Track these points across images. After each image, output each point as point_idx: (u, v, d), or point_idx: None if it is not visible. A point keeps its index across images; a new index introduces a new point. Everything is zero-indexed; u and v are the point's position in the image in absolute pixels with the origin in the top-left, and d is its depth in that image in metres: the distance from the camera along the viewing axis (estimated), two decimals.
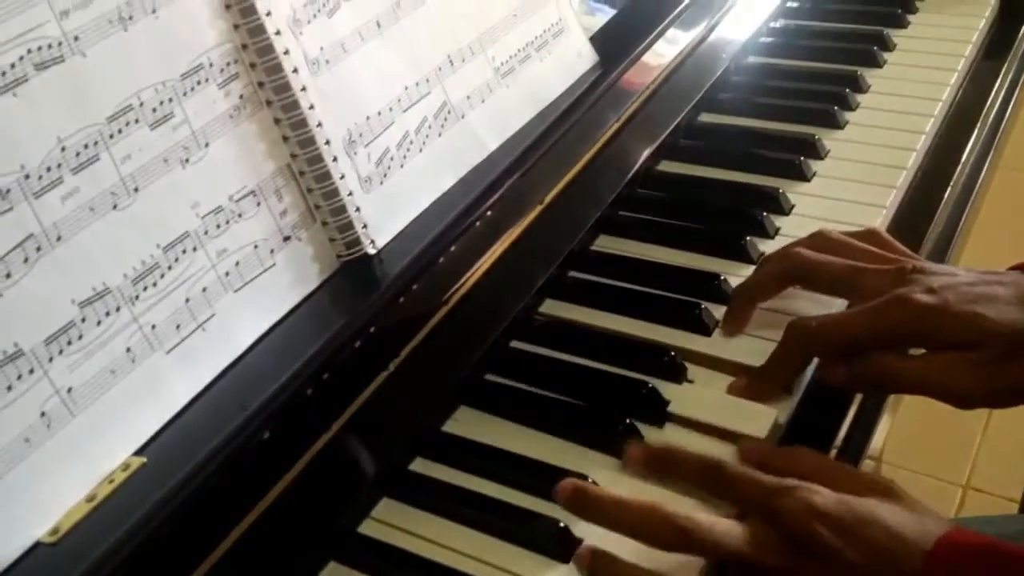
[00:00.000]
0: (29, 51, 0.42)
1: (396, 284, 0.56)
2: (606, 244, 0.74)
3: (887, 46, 0.93)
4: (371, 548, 0.53)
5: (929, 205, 0.77)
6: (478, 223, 0.62)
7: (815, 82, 0.89)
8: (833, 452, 0.60)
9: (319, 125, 0.54)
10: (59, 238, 0.43)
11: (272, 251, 0.53)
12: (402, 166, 0.59)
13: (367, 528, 0.55)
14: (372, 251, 0.57)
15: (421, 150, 0.60)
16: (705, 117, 0.87)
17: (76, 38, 0.44)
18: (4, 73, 0.42)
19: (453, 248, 0.60)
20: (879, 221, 0.72)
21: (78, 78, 0.44)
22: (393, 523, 0.55)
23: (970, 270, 0.56)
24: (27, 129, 0.43)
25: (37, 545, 0.42)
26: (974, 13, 0.96)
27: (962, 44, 0.91)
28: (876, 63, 0.90)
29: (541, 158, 0.66)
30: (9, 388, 0.42)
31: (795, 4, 1.02)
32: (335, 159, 0.54)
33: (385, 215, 0.57)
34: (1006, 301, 0.53)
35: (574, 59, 0.70)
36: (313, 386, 0.51)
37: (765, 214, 0.73)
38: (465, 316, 0.61)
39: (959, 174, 0.80)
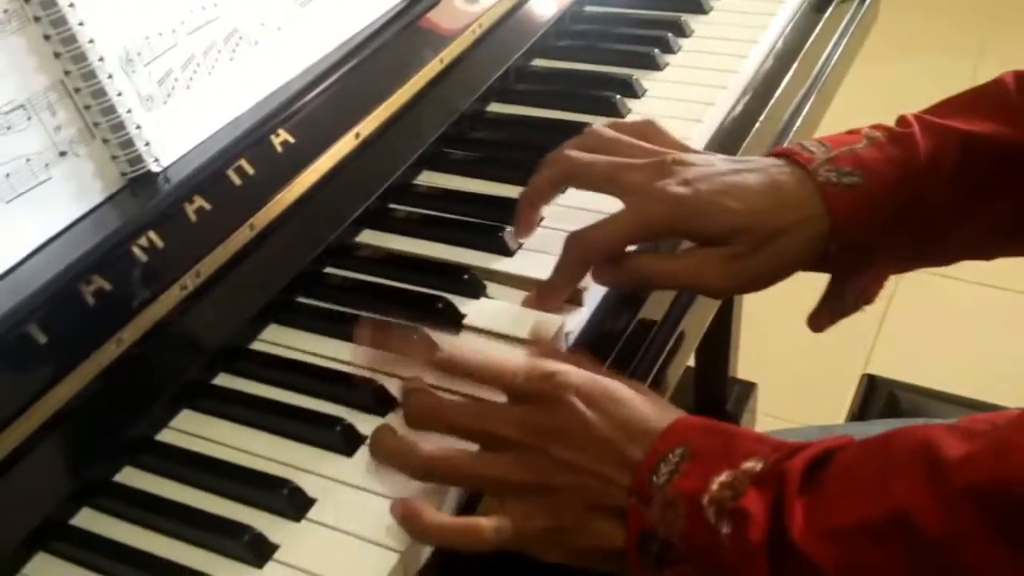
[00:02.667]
0: None
1: (181, 199, 0.59)
2: (428, 179, 0.78)
3: None
4: (167, 453, 0.56)
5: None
6: (279, 147, 0.65)
7: (641, 27, 0.94)
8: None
9: (91, 41, 0.56)
10: None
11: (47, 165, 0.55)
12: (188, 87, 0.61)
13: (165, 436, 0.57)
14: (156, 168, 0.59)
15: (210, 73, 0.63)
16: (539, 61, 0.91)
17: None
18: None
19: (252, 170, 0.63)
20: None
21: None
22: (191, 431, 0.57)
23: (727, 159, 0.61)
24: None
25: None
26: None
27: None
28: (702, 10, 0.95)
29: (345, 87, 0.69)
30: None
31: None
32: (110, 76, 0.57)
33: (172, 133, 0.60)
34: (754, 191, 0.58)
35: None
36: (94, 294, 0.53)
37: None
38: (272, 239, 0.64)
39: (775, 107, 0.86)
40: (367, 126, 0.72)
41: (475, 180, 0.77)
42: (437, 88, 0.79)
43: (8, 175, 0.53)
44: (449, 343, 0.58)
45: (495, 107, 0.86)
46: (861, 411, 0.88)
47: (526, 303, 0.63)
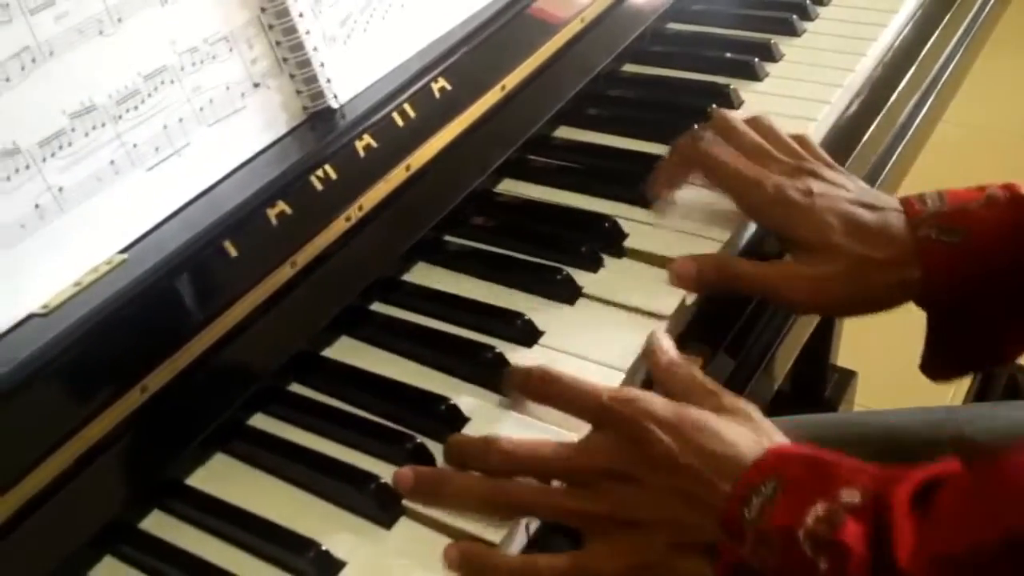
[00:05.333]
0: None
1: (355, 135, 0.66)
2: (565, 133, 0.84)
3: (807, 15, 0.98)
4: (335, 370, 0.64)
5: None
6: (436, 92, 0.72)
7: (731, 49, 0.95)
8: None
9: None
10: (51, 53, 0.53)
11: (243, 94, 0.62)
12: (365, 30, 0.68)
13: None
14: (335, 105, 0.66)
15: (383, 18, 0.70)
16: (673, 25, 0.97)
17: None
18: None
19: (412, 112, 0.70)
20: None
21: None
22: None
23: (859, 187, 0.65)
24: None
25: (31, 316, 0.52)
26: None
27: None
28: (793, 32, 0.96)
29: (496, 40, 0.76)
30: (8, 179, 0.51)
31: None
32: (301, 15, 0.64)
33: (348, 73, 0.67)
34: (862, 221, 0.61)
35: None
36: (276, 214, 0.61)
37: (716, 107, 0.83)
38: (425, 180, 0.71)
39: (889, 112, 0.89)
40: (512, 79, 0.79)
41: (610, 135, 0.83)
42: (577, 46, 0.85)
43: (211, 100, 0.61)
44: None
45: (629, 67, 0.92)
46: (980, 394, 0.91)
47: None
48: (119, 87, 0.56)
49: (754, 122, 0.70)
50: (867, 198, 0.64)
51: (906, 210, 0.62)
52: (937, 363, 0.67)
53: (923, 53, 0.93)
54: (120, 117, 0.56)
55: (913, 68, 0.91)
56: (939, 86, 0.94)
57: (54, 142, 0.53)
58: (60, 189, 0.53)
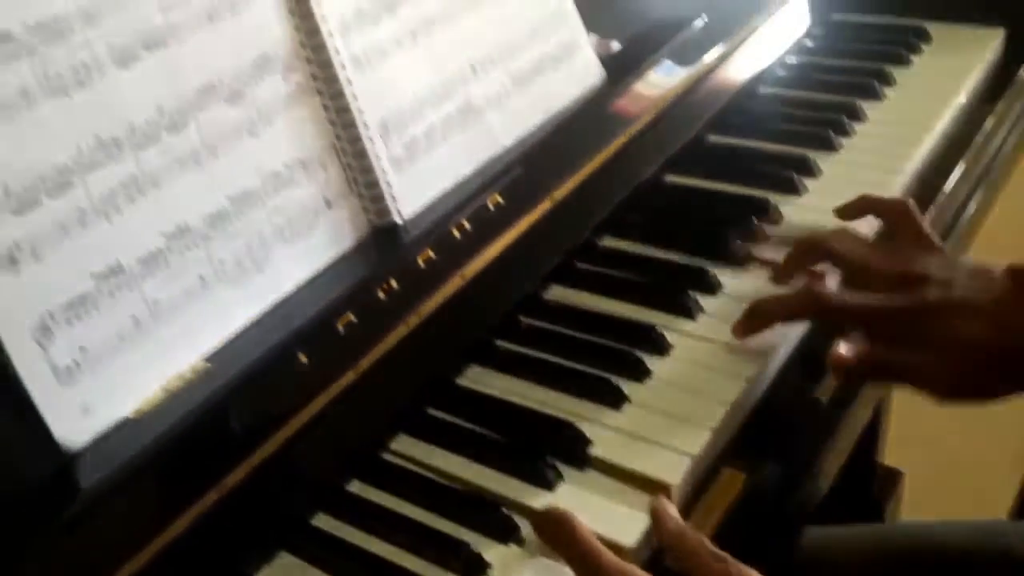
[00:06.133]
0: (138, 33, 0.60)
1: (417, 250, 0.73)
2: (611, 243, 0.90)
3: (888, 81, 1.09)
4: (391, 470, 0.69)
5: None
6: (491, 206, 0.79)
7: (817, 110, 1.05)
8: None
9: (360, 112, 0.71)
10: (154, 183, 0.61)
11: (316, 213, 0.69)
12: (428, 152, 0.75)
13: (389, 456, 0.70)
14: (399, 220, 0.73)
15: (445, 141, 0.77)
16: (713, 137, 1.03)
17: (176, 28, 0.62)
18: (116, 50, 0.59)
19: (469, 225, 0.77)
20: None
21: (175, 60, 0.62)
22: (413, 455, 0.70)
23: (968, 271, 0.70)
24: (135, 98, 0.60)
25: (125, 420, 0.58)
26: (975, 53, 1.13)
27: (958, 83, 1.06)
28: (876, 94, 1.06)
29: (548, 156, 0.83)
30: (111, 294, 0.58)
31: (811, 44, 1.20)
32: (371, 141, 0.71)
33: (411, 191, 0.74)
34: (986, 315, 0.66)
35: (583, 73, 0.87)
36: (343, 324, 0.68)
37: (756, 222, 0.89)
38: (479, 287, 0.77)
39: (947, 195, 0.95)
40: (561, 191, 0.85)
41: (652, 247, 0.89)
42: (621, 159, 0.92)
43: (289, 219, 0.68)
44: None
45: (671, 177, 0.99)
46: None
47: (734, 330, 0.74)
48: (210, 210, 0.63)
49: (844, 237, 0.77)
50: (976, 282, 0.68)
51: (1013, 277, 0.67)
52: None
53: (954, 176, 0.99)
54: (210, 237, 0.63)
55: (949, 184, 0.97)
56: (969, 210, 1.00)
57: (152, 261, 0.60)
58: (155, 303, 0.60)
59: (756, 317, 0.74)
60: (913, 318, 0.68)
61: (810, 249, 0.78)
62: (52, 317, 0.55)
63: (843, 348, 0.71)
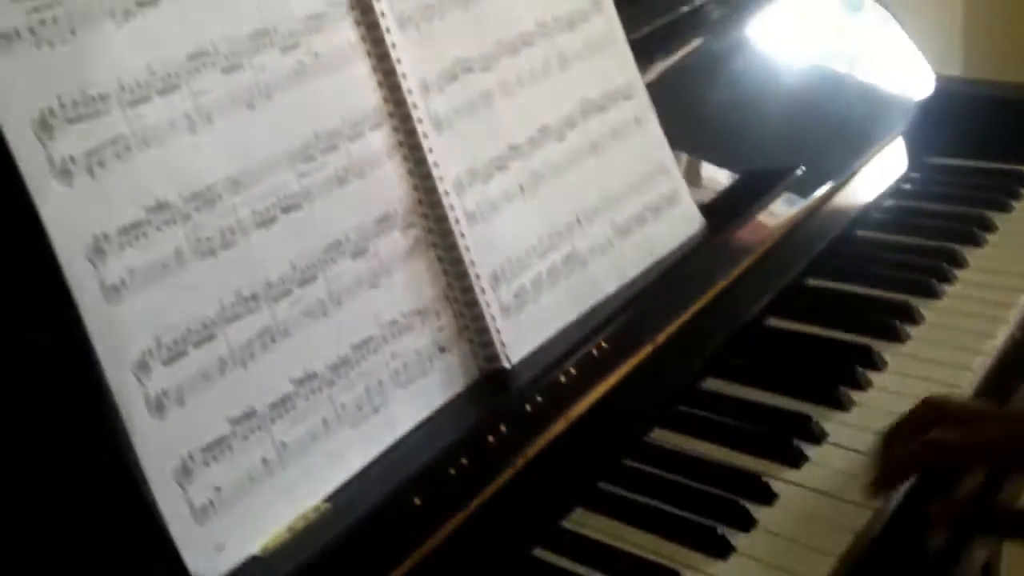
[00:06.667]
0: (278, 197, 0.66)
1: (525, 395, 0.76)
2: (714, 385, 0.92)
3: (988, 227, 1.10)
4: None
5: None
6: (595, 352, 0.82)
7: (917, 256, 1.07)
8: None
9: (472, 264, 0.76)
10: (286, 333, 0.66)
11: (431, 358, 0.74)
12: (535, 300, 0.80)
13: None
14: (507, 366, 0.77)
15: (552, 289, 0.81)
16: (813, 280, 1.06)
17: (310, 191, 0.68)
18: (258, 213, 0.66)
19: (574, 370, 0.80)
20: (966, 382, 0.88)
21: (308, 220, 0.68)
22: None
23: None
24: (272, 255, 0.66)
25: (252, 558, 0.62)
26: None
27: None
28: (976, 241, 1.07)
29: (651, 301, 0.86)
30: (245, 438, 0.63)
31: (908, 187, 1.22)
32: (482, 291, 0.76)
33: (519, 338, 0.78)
34: None
35: (684, 223, 0.91)
36: (454, 468, 0.71)
37: (860, 368, 0.90)
38: (583, 429, 0.80)
39: None
40: (663, 335, 0.88)
41: (756, 390, 0.91)
42: (721, 303, 0.94)
43: (405, 365, 0.72)
44: None
45: (772, 321, 1.01)
46: None
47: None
48: (335, 357, 0.68)
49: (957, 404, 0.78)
50: None
51: None
52: None
53: None
54: (333, 382, 0.68)
55: None
56: None
57: (281, 405, 0.65)
58: (283, 445, 0.64)
59: (894, 470, 0.74)
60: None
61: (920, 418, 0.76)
62: (192, 459, 0.60)
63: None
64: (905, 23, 1.31)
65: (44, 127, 0.57)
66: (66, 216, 0.57)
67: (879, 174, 1.20)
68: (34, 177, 0.56)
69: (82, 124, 0.58)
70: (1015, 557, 1.42)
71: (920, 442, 0.72)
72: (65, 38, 0.58)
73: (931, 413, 0.75)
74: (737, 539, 0.73)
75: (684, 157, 0.96)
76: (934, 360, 0.91)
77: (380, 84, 0.73)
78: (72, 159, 0.57)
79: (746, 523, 0.74)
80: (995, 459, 0.73)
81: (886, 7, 1.31)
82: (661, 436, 0.87)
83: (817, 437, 0.83)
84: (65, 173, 0.57)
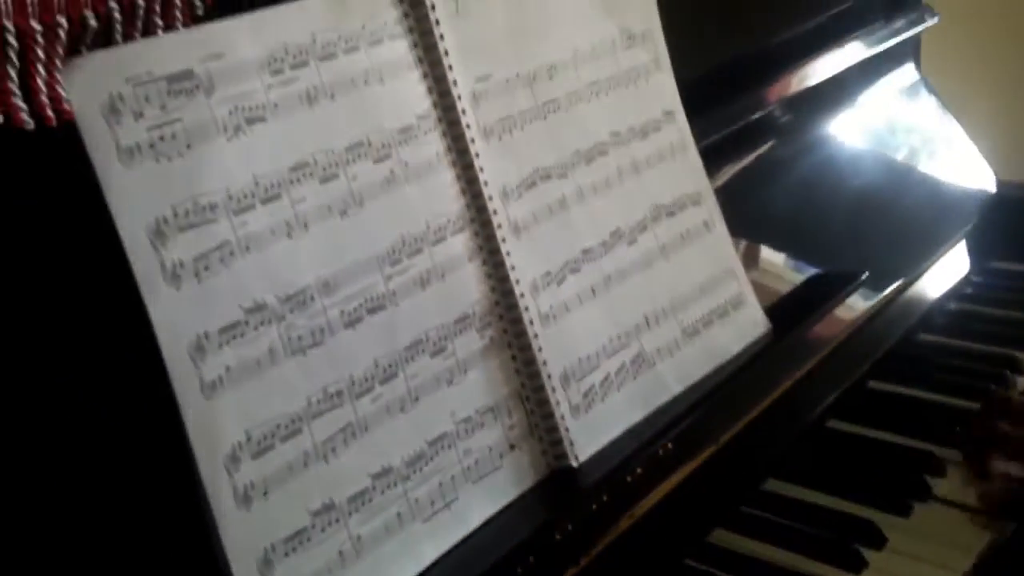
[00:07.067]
0: (365, 299, 0.69)
1: (591, 493, 0.78)
2: (776, 487, 0.93)
3: None
4: None
5: None
6: (661, 452, 0.83)
7: (978, 362, 1.07)
8: None
9: (544, 363, 0.78)
10: (366, 428, 0.68)
11: (501, 455, 0.75)
12: (603, 400, 0.81)
13: None
14: (575, 464, 0.78)
15: (619, 389, 0.83)
16: (875, 383, 1.06)
17: (395, 293, 0.71)
18: (346, 314, 0.69)
19: (640, 469, 0.81)
20: None
21: (392, 319, 0.71)
22: None
23: None
24: (357, 354, 0.69)
25: None
26: None
27: None
28: None
29: (715, 403, 0.88)
30: (322, 530, 0.65)
31: (970, 291, 1.22)
32: (553, 390, 0.78)
33: (587, 436, 0.79)
34: None
35: (749, 326, 0.93)
36: (521, 566, 0.72)
37: (925, 476, 0.90)
38: (648, 528, 0.81)
39: None
40: (727, 435, 0.89)
41: (817, 492, 0.91)
42: (784, 405, 0.95)
43: (477, 461, 0.74)
44: None
45: (834, 423, 1.01)
46: None
47: None
48: (411, 452, 0.70)
49: None
50: None
51: None
52: None
53: None
54: (408, 477, 0.70)
55: None
56: None
57: (358, 499, 0.67)
58: (359, 538, 0.66)
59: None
60: None
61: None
62: (274, 550, 0.62)
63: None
64: (974, 129, 1.32)
65: (158, 234, 0.60)
66: (172, 317, 0.60)
67: (942, 277, 1.20)
68: (146, 280, 0.60)
69: (192, 232, 0.62)
70: None
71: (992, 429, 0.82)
72: (182, 152, 0.62)
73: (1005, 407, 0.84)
74: None
75: (751, 260, 0.98)
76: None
77: (463, 191, 0.76)
78: (181, 264, 0.61)
79: None
80: None
81: (951, 113, 1.33)
82: (723, 538, 0.87)
83: (879, 543, 0.83)
84: (175, 277, 0.61)
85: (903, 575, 0.80)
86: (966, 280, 1.24)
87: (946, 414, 0.98)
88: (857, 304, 1.05)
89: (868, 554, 0.82)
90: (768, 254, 1.04)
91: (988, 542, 0.83)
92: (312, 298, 0.66)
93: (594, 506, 0.78)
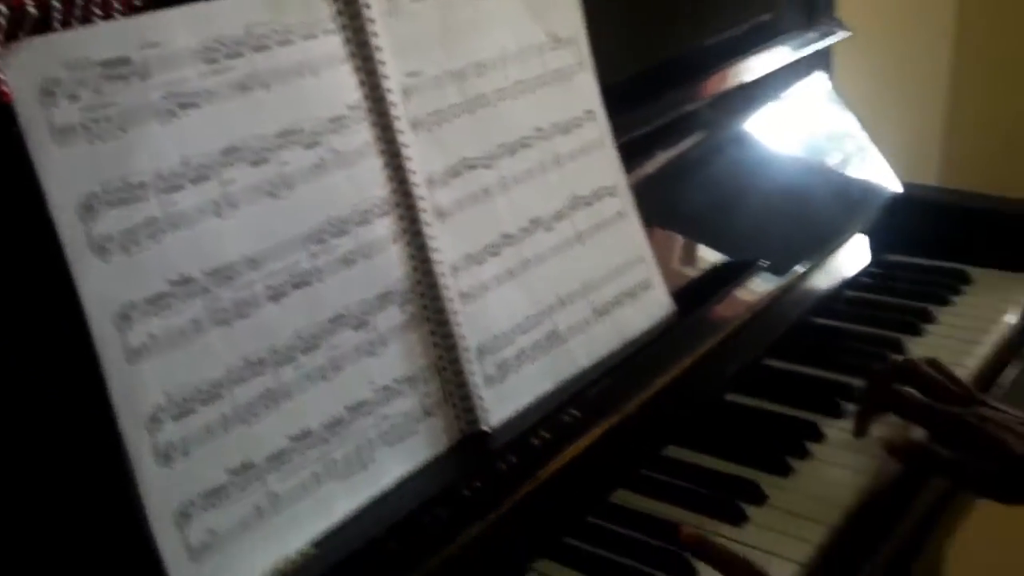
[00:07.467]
0: (290, 274, 0.67)
1: (500, 455, 0.76)
2: (675, 453, 0.91)
3: (929, 318, 1.09)
4: None
5: None
6: (568, 419, 0.81)
7: (866, 343, 1.06)
8: None
9: (461, 338, 0.76)
10: (287, 395, 0.66)
11: (417, 421, 0.73)
12: (516, 372, 0.79)
13: None
14: (487, 429, 0.77)
15: (532, 362, 0.81)
16: (771, 361, 1.05)
17: (319, 270, 0.69)
18: (271, 288, 0.66)
19: (547, 434, 0.80)
20: None
21: (315, 295, 0.68)
22: None
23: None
24: (280, 326, 0.66)
25: None
26: (1013, 298, 1.12)
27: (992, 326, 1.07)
28: (917, 331, 1.07)
29: (620, 377, 0.86)
30: (242, 488, 0.63)
31: (868, 280, 1.22)
32: (469, 362, 0.76)
33: (499, 404, 0.77)
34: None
35: (656, 307, 0.91)
36: (431, 518, 0.70)
37: (806, 442, 0.89)
38: (554, 488, 0.79)
39: None
40: (631, 406, 0.88)
41: (712, 458, 0.90)
42: (685, 380, 0.94)
43: (394, 426, 0.72)
44: None
45: (732, 397, 1.00)
46: None
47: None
48: (330, 417, 0.68)
49: (933, 365, 0.87)
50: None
51: None
52: None
53: None
54: (327, 440, 0.68)
55: None
56: None
57: (277, 459, 0.65)
58: (276, 496, 0.64)
59: (872, 402, 0.89)
60: (970, 427, 0.79)
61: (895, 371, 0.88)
62: (193, 504, 0.60)
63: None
64: (879, 134, 1.31)
65: (87, 209, 0.58)
66: (99, 287, 0.57)
67: (841, 268, 1.19)
68: (74, 252, 0.57)
69: (121, 208, 0.59)
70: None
71: (891, 390, 0.85)
72: (115, 134, 0.59)
73: (910, 371, 0.86)
74: None
75: (662, 248, 0.96)
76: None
77: (390, 178, 0.74)
78: (110, 237, 0.58)
79: (688, 572, 0.74)
80: (938, 433, 0.83)
81: (859, 119, 1.31)
82: (623, 497, 0.86)
83: (760, 500, 0.83)
84: (103, 250, 0.58)
85: (778, 527, 0.80)
86: (865, 271, 1.23)
87: (831, 388, 0.97)
88: (758, 289, 1.03)
89: (749, 509, 0.81)
90: (678, 243, 1.02)
91: (857, 499, 0.83)
92: (238, 273, 0.64)
93: (503, 467, 0.76)
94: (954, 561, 1.33)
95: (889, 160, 1.30)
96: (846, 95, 1.31)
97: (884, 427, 0.89)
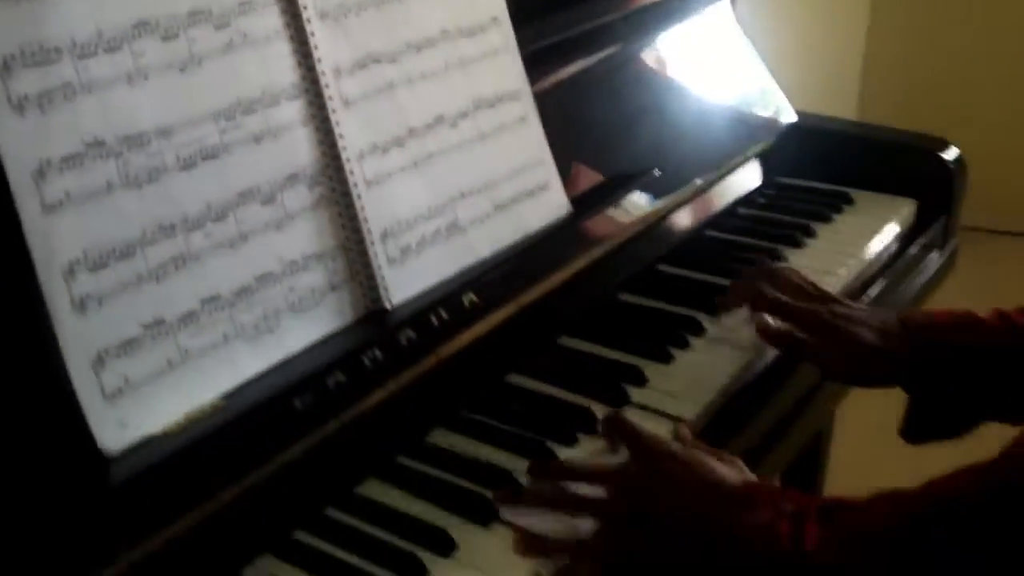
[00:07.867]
0: (200, 146, 0.72)
1: (399, 329, 0.82)
2: (568, 342, 0.99)
3: (810, 233, 1.19)
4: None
5: None
6: (466, 303, 0.88)
7: (751, 252, 1.15)
8: None
9: (366, 221, 0.82)
10: (197, 259, 0.71)
11: (323, 294, 0.79)
12: (417, 256, 0.86)
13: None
14: (389, 306, 0.83)
15: (433, 248, 0.87)
16: (663, 267, 1.13)
17: (229, 145, 0.73)
18: (181, 159, 0.71)
19: (446, 315, 0.86)
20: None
21: (225, 168, 0.73)
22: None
23: (873, 310, 0.94)
24: (191, 194, 0.71)
25: (150, 437, 0.67)
26: (887, 218, 1.23)
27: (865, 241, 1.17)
28: (798, 244, 1.17)
29: (518, 268, 0.93)
30: (154, 340, 0.68)
31: (762, 200, 1.31)
32: (372, 243, 0.82)
33: (401, 284, 0.84)
34: (872, 328, 0.89)
35: (553, 206, 0.98)
36: (332, 380, 0.77)
37: (686, 334, 0.98)
38: (450, 367, 0.86)
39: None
40: (527, 298, 0.95)
41: (601, 347, 0.98)
42: (580, 278, 1.01)
43: (300, 298, 0.78)
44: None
45: (625, 296, 1.09)
46: None
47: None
48: (238, 284, 0.73)
49: (793, 272, 0.98)
50: (875, 315, 0.91)
51: (902, 319, 0.89)
52: (914, 432, 0.91)
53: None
54: (235, 305, 0.73)
55: None
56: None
57: (187, 318, 0.70)
58: (186, 350, 0.70)
59: (735, 294, 0.99)
60: (827, 321, 0.90)
61: (760, 274, 0.98)
62: (107, 352, 0.65)
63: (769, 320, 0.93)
64: (777, 64, 1.39)
65: (5, 67, 0.61)
66: (16, 141, 0.62)
67: (734, 187, 1.28)
68: None
69: (37, 69, 0.63)
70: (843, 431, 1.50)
71: (755, 287, 0.95)
72: None
73: (771, 273, 0.98)
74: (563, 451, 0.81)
75: (561, 156, 1.02)
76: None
77: (299, 64, 0.78)
78: (26, 96, 0.62)
79: (570, 440, 0.83)
80: (799, 324, 0.92)
81: (758, 49, 1.39)
82: (516, 379, 0.94)
83: (641, 381, 0.91)
84: (19, 107, 0.62)
85: (658, 406, 0.88)
86: (758, 191, 1.32)
87: (714, 290, 1.06)
88: (655, 201, 1.11)
89: (631, 390, 0.90)
90: (580, 152, 1.09)
91: (728, 382, 0.92)
92: (149, 141, 0.68)
93: (402, 341, 0.83)
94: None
95: (809, 94, 1.39)
96: (768, 26, 1.39)
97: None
